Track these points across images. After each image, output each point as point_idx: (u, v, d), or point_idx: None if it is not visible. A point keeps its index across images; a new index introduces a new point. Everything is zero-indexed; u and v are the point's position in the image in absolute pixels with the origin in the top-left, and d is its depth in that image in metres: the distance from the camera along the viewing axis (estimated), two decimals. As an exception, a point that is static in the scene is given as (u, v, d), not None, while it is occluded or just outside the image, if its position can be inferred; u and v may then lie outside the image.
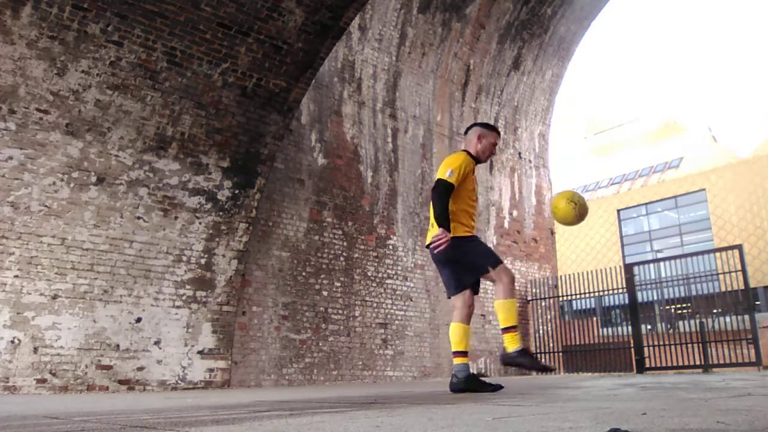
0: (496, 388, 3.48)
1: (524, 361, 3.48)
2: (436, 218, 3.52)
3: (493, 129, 3.96)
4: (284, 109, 7.14)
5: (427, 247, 3.68)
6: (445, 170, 3.61)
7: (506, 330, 3.50)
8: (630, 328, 10.45)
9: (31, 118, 5.79)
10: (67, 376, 5.84)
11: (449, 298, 3.72)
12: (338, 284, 8.63)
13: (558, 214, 3.71)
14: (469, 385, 3.43)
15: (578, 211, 3.65)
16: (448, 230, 3.47)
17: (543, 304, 11.69)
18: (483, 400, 2.69)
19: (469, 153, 3.85)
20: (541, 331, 11.55)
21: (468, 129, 4.04)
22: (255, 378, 7.40)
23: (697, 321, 9.87)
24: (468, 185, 3.72)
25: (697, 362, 9.64)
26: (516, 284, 3.66)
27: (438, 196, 3.54)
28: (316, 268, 8.40)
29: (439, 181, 3.59)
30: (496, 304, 3.56)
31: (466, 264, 3.61)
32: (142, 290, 6.44)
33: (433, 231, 3.58)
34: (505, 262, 11.37)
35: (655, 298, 11.87)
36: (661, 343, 10.19)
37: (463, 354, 3.52)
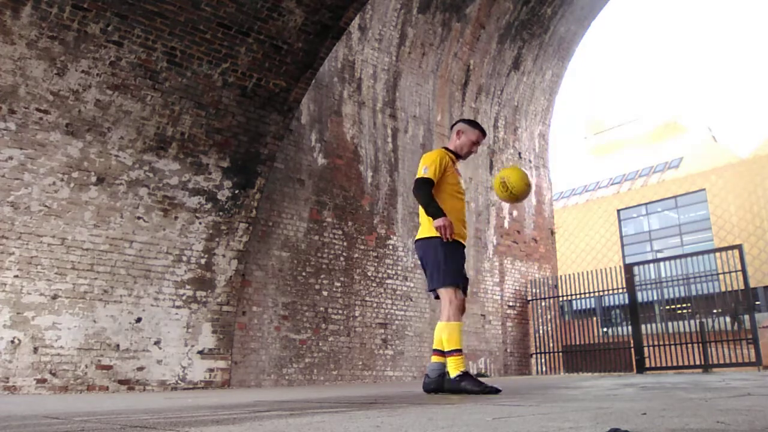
0: (495, 390, 3.32)
1: (468, 387, 3.28)
2: (426, 210, 3.51)
3: (475, 126, 3.87)
4: (284, 109, 7.14)
5: (415, 243, 3.71)
6: (420, 169, 3.63)
7: (447, 354, 3.42)
8: (630, 328, 10.45)
9: (31, 118, 5.78)
10: (67, 376, 5.84)
11: (429, 291, 3.65)
12: (338, 284, 8.63)
13: (500, 192, 3.66)
14: (440, 385, 3.37)
15: (511, 194, 3.61)
16: (443, 215, 3.45)
17: (543, 304, 11.69)
18: (483, 400, 2.69)
19: (447, 149, 3.83)
20: (541, 331, 11.55)
21: (454, 124, 3.98)
22: (255, 378, 7.40)
23: (697, 321, 9.87)
24: (449, 179, 3.67)
25: (697, 362, 9.64)
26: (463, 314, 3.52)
27: (419, 191, 3.55)
28: (316, 268, 8.40)
29: (417, 180, 3.60)
30: (437, 325, 3.50)
31: (435, 267, 3.53)
32: (142, 290, 6.44)
33: (424, 228, 3.60)
34: (505, 262, 11.35)
35: (655, 298, 11.87)
36: (661, 343, 10.19)
37: (458, 352, 3.42)
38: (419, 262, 3.80)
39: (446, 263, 3.48)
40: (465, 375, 3.32)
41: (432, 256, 3.53)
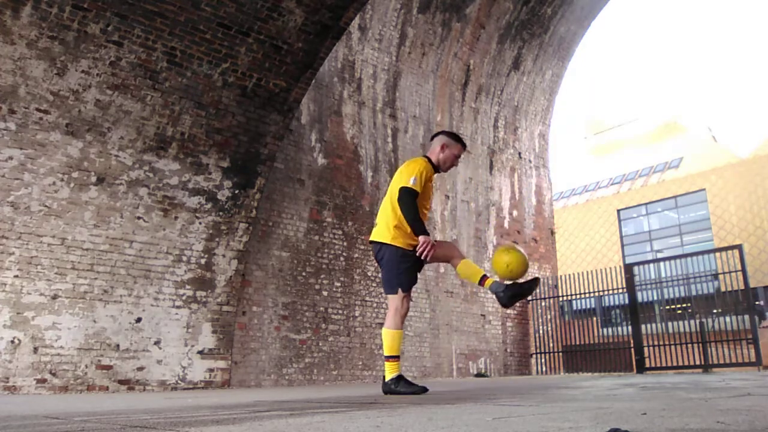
0: (423, 389, 3.53)
1: (401, 389, 3.51)
2: (411, 227, 3.57)
3: (458, 140, 3.93)
4: (284, 109, 7.14)
5: (371, 242, 3.78)
6: (407, 178, 3.63)
7: (387, 359, 3.60)
8: (630, 328, 10.45)
9: (31, 118, 5.78)
10: (67, 376, 5.84)
11: (386, 294, 3.74)
12: (338, 284, 8.63)
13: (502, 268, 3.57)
14: (398, 387, 3.51)
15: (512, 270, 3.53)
16: (427, 233, 3.56)
17: (543, 304, 11.69)
18: (483, 400, 2.69)
19: (429, 160, 3.84)
20: (541, 331, 11.55)
21: (434, 135, 4.01)
22: (255, 378, 7.40)
23: (697, 321, 9.87)
24: (426, 192, 3.73)
25: (697, 362, 9.64)
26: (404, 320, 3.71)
27: (406, 205, 3.58)
28: (316, 268, 8.40)
29: (403, 189, 3.60)
30: (383, 330, 3.65)
31: (390, 274, 3.65)
32: (142, 290, 6.44)
33: (379, 230, 3.69)
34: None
35: (655, 298, 11.87)
36: (661, 343, 10.19)
37: (394, 358, 3.60)
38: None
39: (403, 273, 3.62)
40: (399, 378, 3.57)
41: (389, 262, 3.64)
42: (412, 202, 3.57)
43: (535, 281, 3.62)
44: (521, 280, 3.60)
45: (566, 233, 31.26)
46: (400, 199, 3.59)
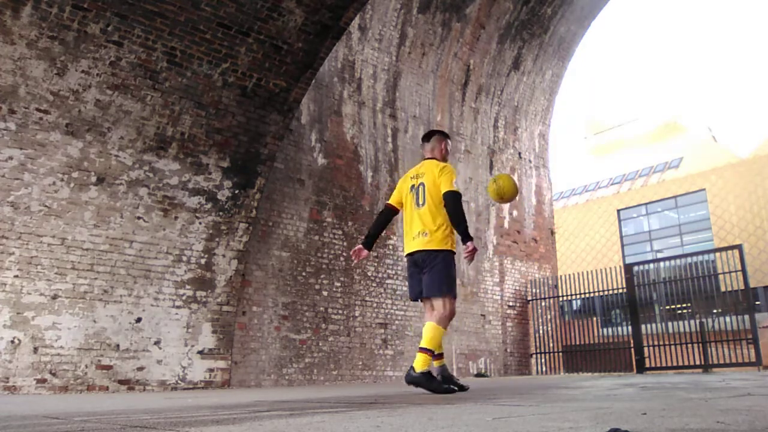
0: (452, 390, 3.58)
1: (426, 384, 3.53)
2: (463, 231, 3.64)
3: (449, 137, 4.20)
4: (284, 109, 7.14)
5: (410, 255, 3.85)
6: (450, 180, 3.72)
7: (422, 350, 3.61)
8: (630, 328, 10.45)
9: (31, 118, 5.78)
10: (67, 376, 5.84)
11: (437, 296, 3.72)
12: (338, 284, 8.62)
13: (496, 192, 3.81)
14: (430, 384, 3.53)
15: (499, 192, 3.77)
16: (472, 238, 3.66)
17: (543, 304, 11.69)
18: (483, 400, 2.69)
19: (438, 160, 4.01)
20: (541, 331, 11.55)
21: (430, 135, 4.11)
22: (255, 378, 7.40)
23: (697, 321, 9.87)
24: None
25: (697, 362, 9.64)
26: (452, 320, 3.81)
27: (458, 208, 3.66)
28: (316, 268, 8.40)
29: (454, 194, 3.68)
30: (427, 324, 3.65)
31: (448, 279, 3.71)
32: (142, 290, 6.44)
33: (433, 238, 3.71)
34: (505, 262, 11.37)
35: (655, 298, 11.87)
36: (661, 343, 10.19)
37: (431, 353, 3.62)
38: (412, 269, 3.91)
39: (455, 277, 3.75)
40: (427, 374, 3.56)
41: (445, 268, 3.69)
42: (462, 207, 3.70)
43: (465, 390, 3.80)
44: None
45: (566, 233, 31.25)
46: (453, 204, 3.67)
